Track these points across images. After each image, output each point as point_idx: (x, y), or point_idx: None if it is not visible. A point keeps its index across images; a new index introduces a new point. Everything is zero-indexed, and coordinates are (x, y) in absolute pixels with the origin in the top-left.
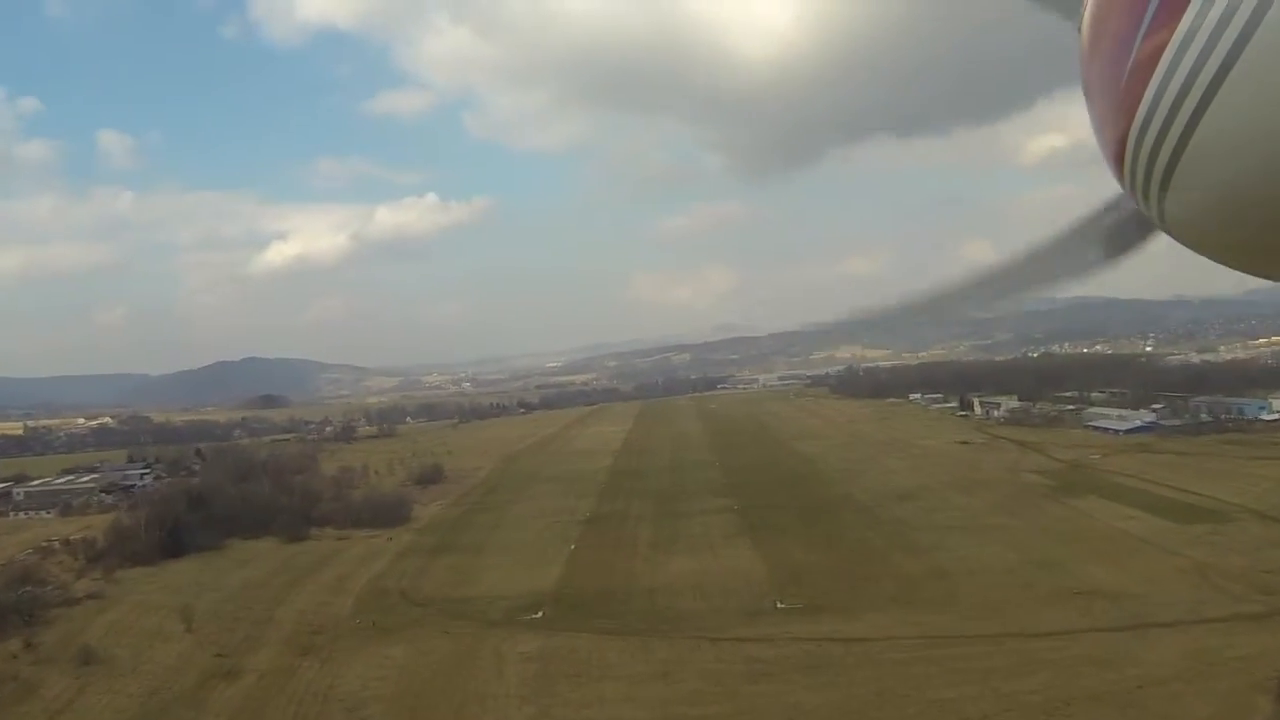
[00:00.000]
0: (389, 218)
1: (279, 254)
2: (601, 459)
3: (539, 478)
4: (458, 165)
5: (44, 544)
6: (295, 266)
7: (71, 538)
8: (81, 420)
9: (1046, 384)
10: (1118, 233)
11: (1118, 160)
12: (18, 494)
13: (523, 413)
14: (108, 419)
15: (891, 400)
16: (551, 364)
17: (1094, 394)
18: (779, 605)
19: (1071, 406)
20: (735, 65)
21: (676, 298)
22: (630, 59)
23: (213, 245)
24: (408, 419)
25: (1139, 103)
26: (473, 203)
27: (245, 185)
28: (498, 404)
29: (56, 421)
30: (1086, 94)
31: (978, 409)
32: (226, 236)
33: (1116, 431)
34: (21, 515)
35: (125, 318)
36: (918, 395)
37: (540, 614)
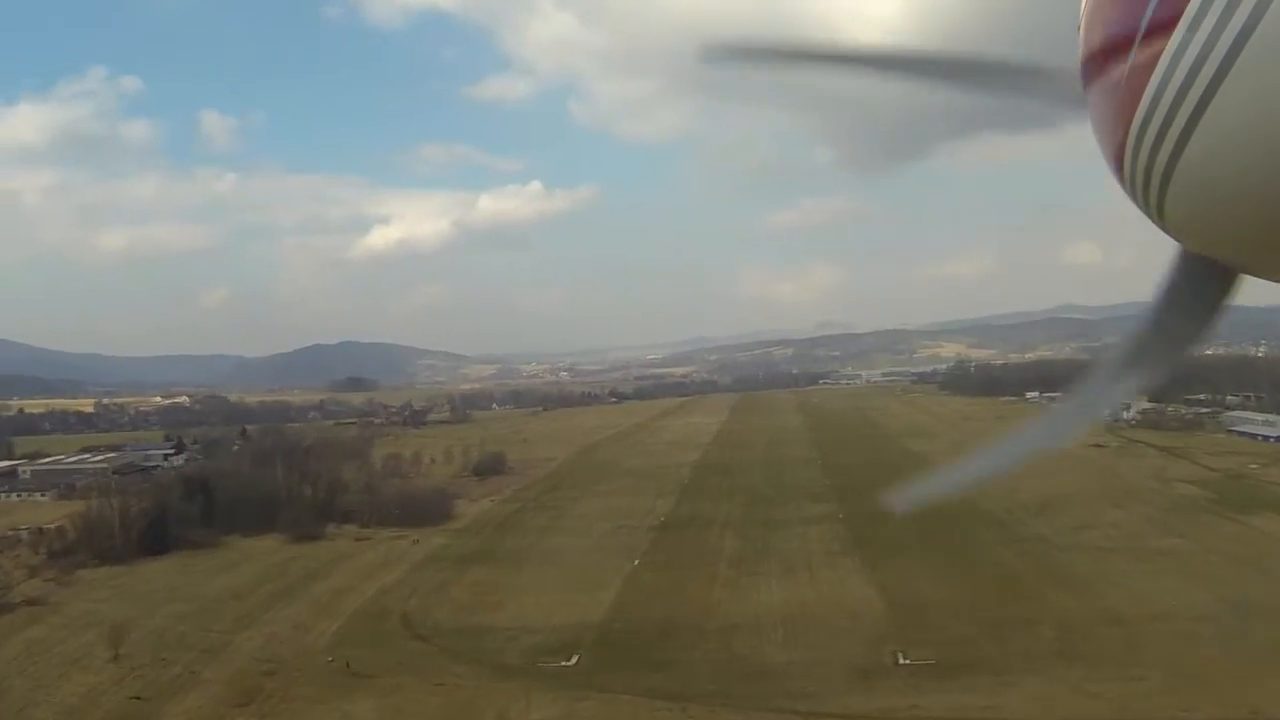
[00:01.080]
0: (491, 205)
1: (381, 239)
2: (689, 452)
3: (614, 471)
4: (561, 153)
5: (9, 533)
6: (396, 252)
7: (45, 527)
8: (159, 399)
9: (1173, 385)
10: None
11: (1117, 160)
12: (23, 473)
13: (614, 402)
14: (184, 398)
15: (1006, 399)
16: (651, 356)
17: (1229, 397)
18: (901, 660)
19: (1207, 409)
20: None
21: (780, 293)
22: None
23: (314, 229)
24: (494, 405)
25: (1138, 102)
26: (576, 191)
27: (348, 169)
28: (588, 392)
29: (133, 399)
30: (1086, 94)
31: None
32: (328, 220)
33: (1266, 438)
34: (15, 497)
35: (225, 299)
36: (1035, 394)
37: (574, 659)
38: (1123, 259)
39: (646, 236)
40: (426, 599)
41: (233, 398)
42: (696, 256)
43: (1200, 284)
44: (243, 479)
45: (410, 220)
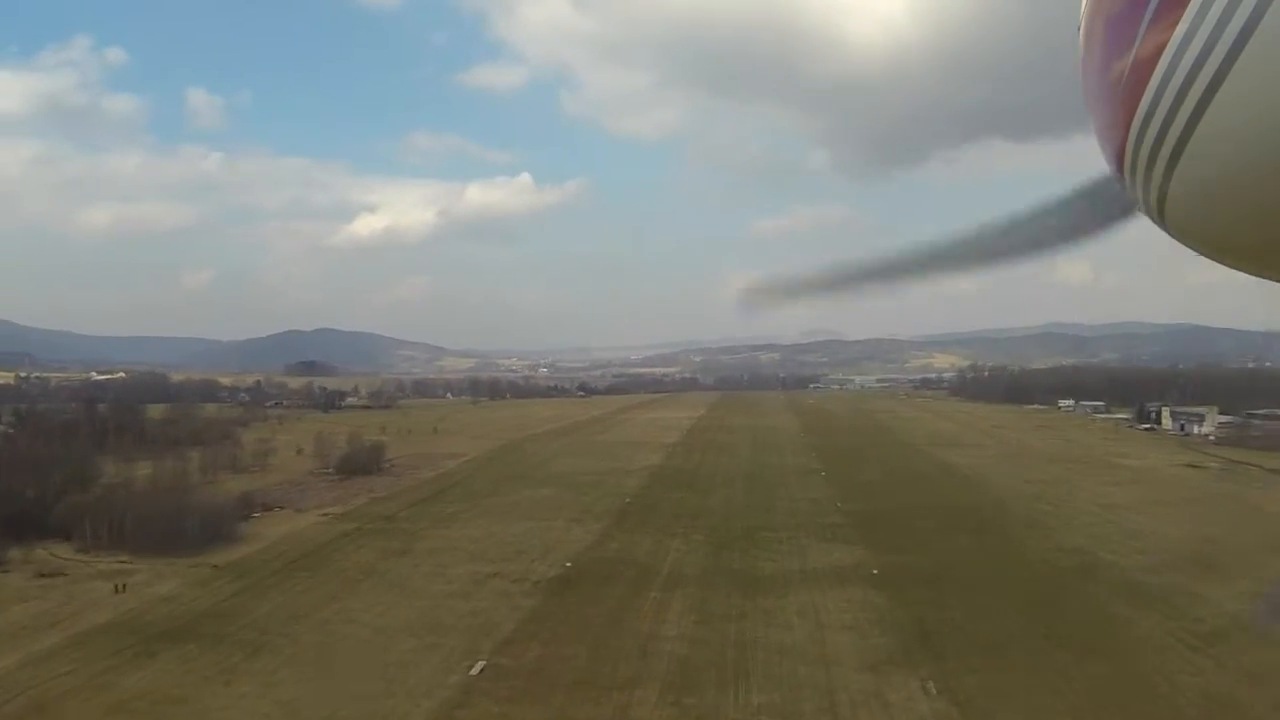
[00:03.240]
0: (479, 196)
1: (366, 226)
2: (647, 454)
3: (534, 477)
4: (552, 146)
5: None
6: (381, 240)
7: None
8: (94, 374)
9: (1234, 397)
10: (1089, 213)
11: (1118, 160)
12: None
13: (581, 396)
14: (122, 374)
15: (1035, 406)
16: (635, 356)
17: None
18: None
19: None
20: (843, 52)
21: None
22: (734, 40)
23: (299, 214)
24: (447, 394)
25: (1139, 102)
26: (565, 186)
27: (335, 155)
28: (555, 386)
29: (60, 375)
30: (1086, 94)
31: (1168, 422)
32: (313, 205)
33: None
34: None
35: (206, 281)
36: (1069, 402)
37: None
38: (1111, 280)
39: (634, 235)
40: None
41: (176, 377)
42: (685, 258)
43: (1106, 201)
44: None
45: (397, 209)
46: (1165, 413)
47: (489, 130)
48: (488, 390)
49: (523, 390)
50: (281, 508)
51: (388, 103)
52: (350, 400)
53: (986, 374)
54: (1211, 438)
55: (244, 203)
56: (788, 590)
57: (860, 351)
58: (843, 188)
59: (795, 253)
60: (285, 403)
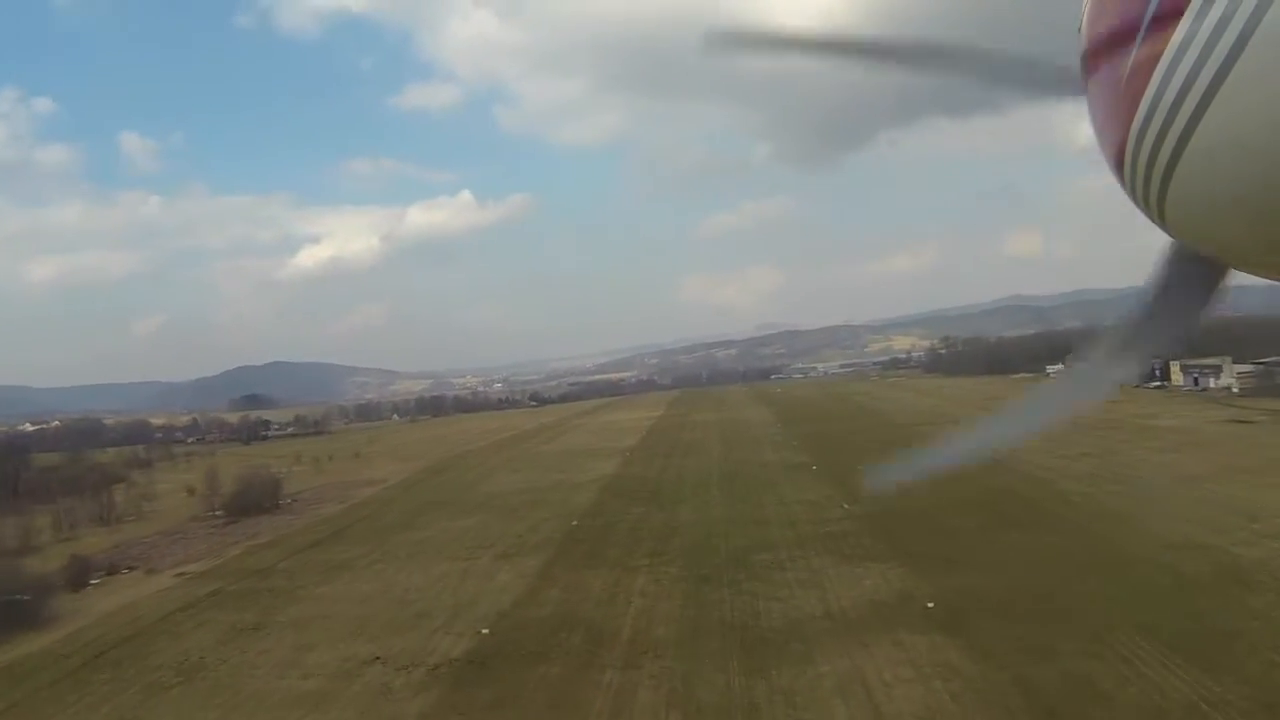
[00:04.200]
0: (422, 218)
1: (311, 257)
2: (600, 462)
3: (461, 502)
4: (491, 162)
5: None
6: (327, 270)
7: None
8: (27, 425)
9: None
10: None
11: (1118, 161)
12: None
13: (533, 406)
14: (56, 422)
15: (1021, 375)
16: (590, 364)
17: None
18: None
19: None
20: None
21: (721, 297)
22: (665, 37)
23: (244, 251)
24: (394, 416)
25: (1138, 103)
26: (508, 201)
27: (276, 188)
28: (505, 398)
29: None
30: (1086, 94)
31: (1177, 377)
32: (257, 242)
33: None
34: None
35: (156, 326)
36: (1057, 367)
37: None
38: (1064, 249)
39: (582, 244)
40: None
41: (109, 421)
42: (635, 262)
43: (1190, 276)
44: None
45: (340, 238)
46: (1174, 367)
47: (427, 151)
48: (431, 408)
49: (471, 405)
50: (131, 568)
51: (322, 132)
52: (275, 430)
53: (960, 347)
54: (1234, 389)
55: (188, 245)
56: (813, 650)
57: (817, 340)
58: (788, 178)
59: (742, 249)
60: (209, 438)
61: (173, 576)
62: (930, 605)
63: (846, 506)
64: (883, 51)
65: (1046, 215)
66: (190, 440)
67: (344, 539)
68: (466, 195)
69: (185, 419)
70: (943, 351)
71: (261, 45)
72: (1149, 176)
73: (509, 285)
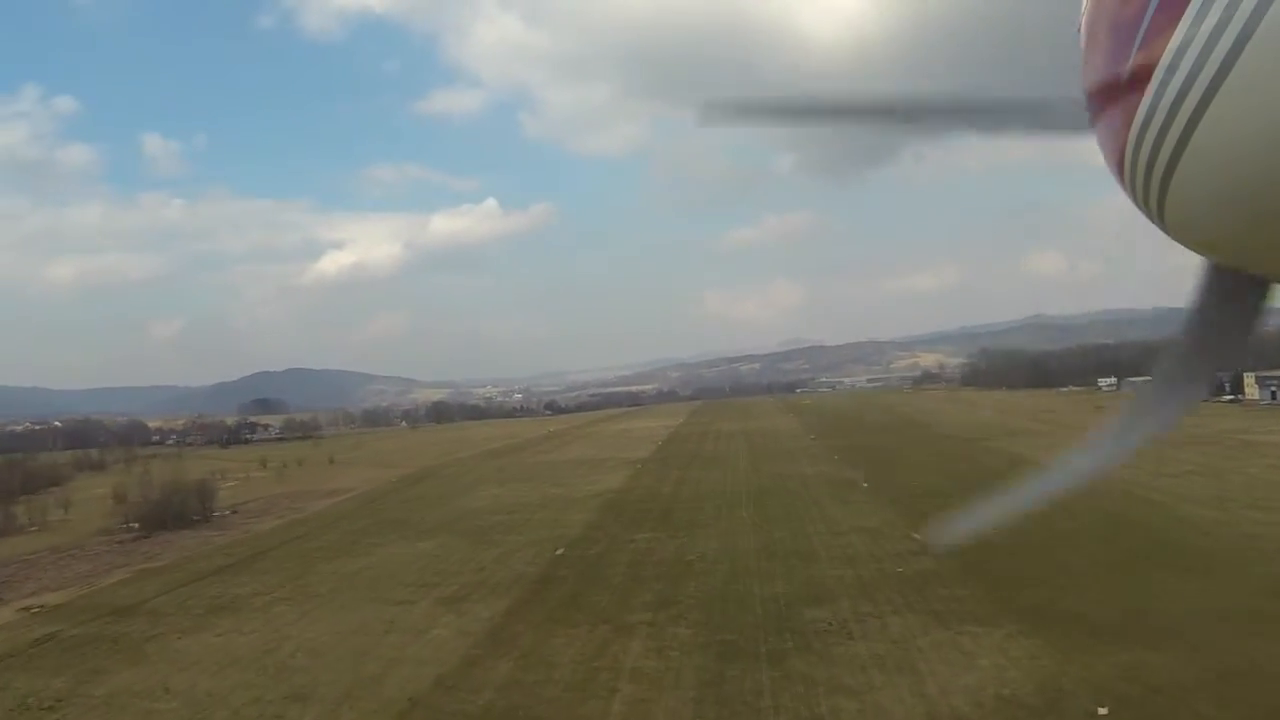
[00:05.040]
0: (445, 225)
1: (334, 264)
2: (605, 475)
3: (420, 523)
4: (515, 169)
5: None
6: (349, 277)
7: None
8: (26, 424)
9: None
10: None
11: (1118, 162)
12: None
13: (548, 414)
14: (57, 423)
15: (1069, 388)
16: (612, 376)
17: None
18: None
19: None
20: (803, 50)
21: (743, 312)
22: (692, 47)
23: (265, 256)
24: (401, 423)
25: (1138, 104)
26: (531, 210)
27: (299, 193)
28: (520, 407)
29: None
30: (1086, 95)
31: (1252, 390)
32: (279, 247)
33: None
34: None
35: (176, 330)
36: (1109, 380)
37: None
38: (1089, 267)
39: (604, 255)
40: None
41: (108, 422)
42: (658, 274)
43: (1232, 296)
44: None
45: (363, 244)
46: (1249, 379)
47: (450, 157)
48: (435, 414)
49: (483, 413)
50: None
51: (346, 136)
52: (261, 434)
53: (1000, 361)
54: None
55: (209, 248)
56: None
57: (842, 356)
58: (812, 191)
59: (765, 263)
60: (189, 440)
61: (16, 611)
62: (1103, 712)
63: (918, 538)
64: (884, 111)
65: (1071, 233)
66: (169, 442)
67: (257, 565)
68: (491, 203)
69: (182, 422)
70: (982, 365)
71: (285, 47)
72: (1149, 177)
73: (530, 296)
